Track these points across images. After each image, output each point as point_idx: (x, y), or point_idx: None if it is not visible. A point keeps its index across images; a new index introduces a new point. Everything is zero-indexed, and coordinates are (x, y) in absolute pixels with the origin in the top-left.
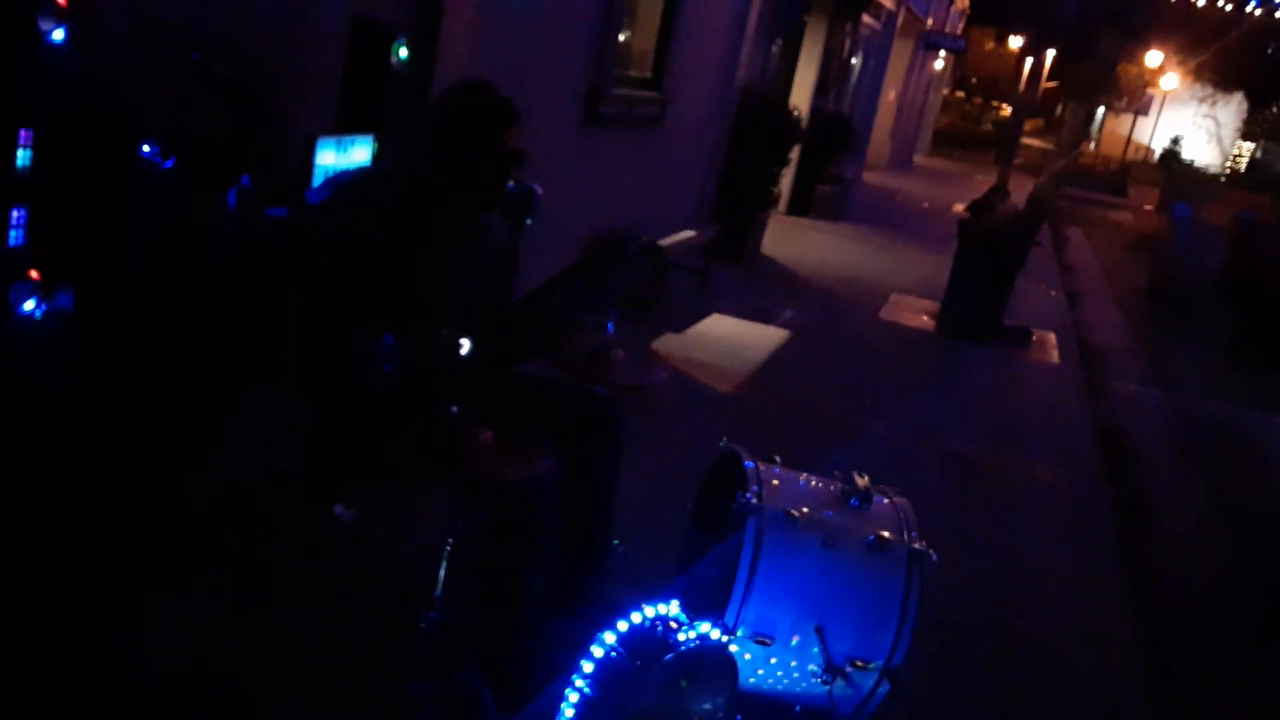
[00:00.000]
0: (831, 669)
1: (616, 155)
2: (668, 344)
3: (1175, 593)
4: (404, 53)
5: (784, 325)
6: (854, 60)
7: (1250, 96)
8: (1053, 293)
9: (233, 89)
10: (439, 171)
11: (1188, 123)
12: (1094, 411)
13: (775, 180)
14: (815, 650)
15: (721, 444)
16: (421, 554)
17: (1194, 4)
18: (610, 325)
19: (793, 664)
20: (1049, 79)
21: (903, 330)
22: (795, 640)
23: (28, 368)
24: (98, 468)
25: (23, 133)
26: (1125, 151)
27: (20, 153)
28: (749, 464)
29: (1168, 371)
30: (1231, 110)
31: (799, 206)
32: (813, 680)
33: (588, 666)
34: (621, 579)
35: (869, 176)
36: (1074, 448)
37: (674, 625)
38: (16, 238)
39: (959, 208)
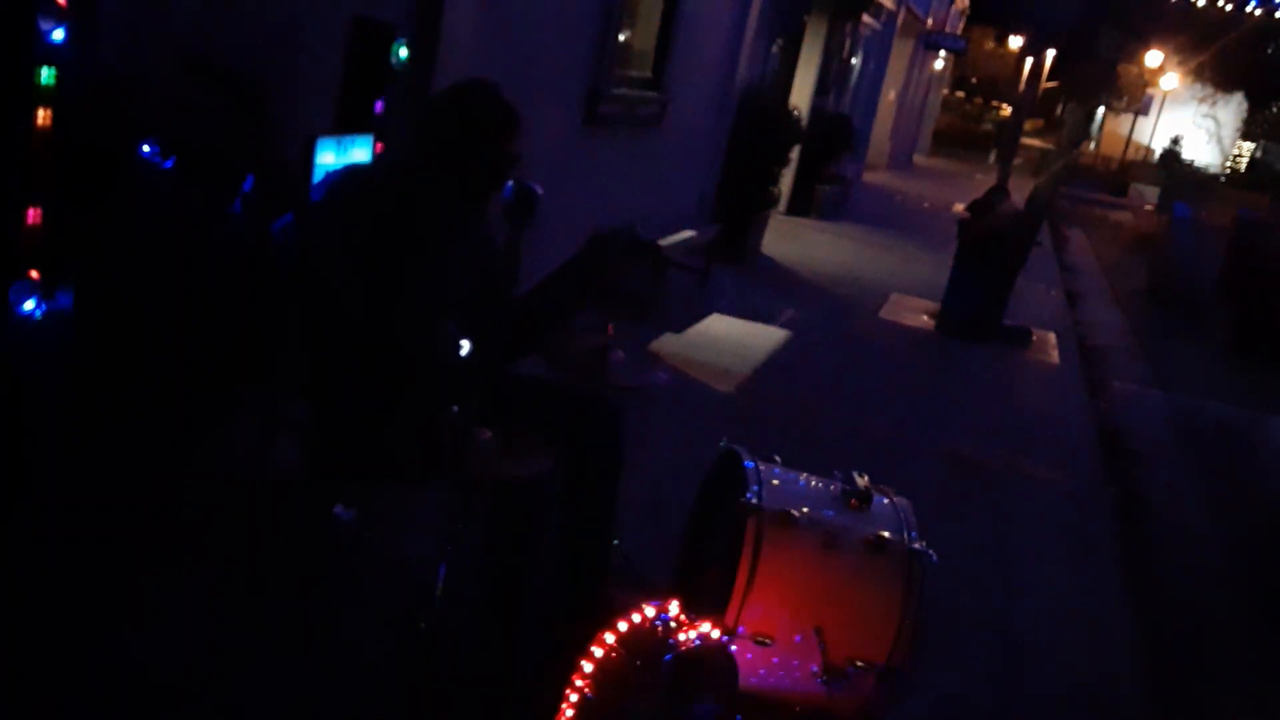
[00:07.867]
0: (831, 669)
1: (617, 155)
2: (668, 344)
3: (1175, 593)
4: (404, 53)
5: (784, 325)
6: (854, 60)
7: (1250, 96)
8: (1053, 293)
9: (231, 88)
10: (435, 170)
11: (1188, 123)
12: (1094, 411)
13: (775, 180)
14: (815, 650)
15: (721, 444)
16: (421, 554)
17: (1194, 4)
18: (610, 325)
19: (793, 664)
20: (1049, 79)
21: (903, 330)
22: (795, 640)
23: (28, 368)
24: (97, 467)
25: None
26: (1125, 151)
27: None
28: (749, 464)
29: (1168, 371)
30: (1231, 110)
31: (799, 206)
32: (813, 680)
33: (588, 666)
34: (621, 579)
35: (869, 176)
36: (1074, 448)
37: (674, 625)
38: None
39: (959, 208)
